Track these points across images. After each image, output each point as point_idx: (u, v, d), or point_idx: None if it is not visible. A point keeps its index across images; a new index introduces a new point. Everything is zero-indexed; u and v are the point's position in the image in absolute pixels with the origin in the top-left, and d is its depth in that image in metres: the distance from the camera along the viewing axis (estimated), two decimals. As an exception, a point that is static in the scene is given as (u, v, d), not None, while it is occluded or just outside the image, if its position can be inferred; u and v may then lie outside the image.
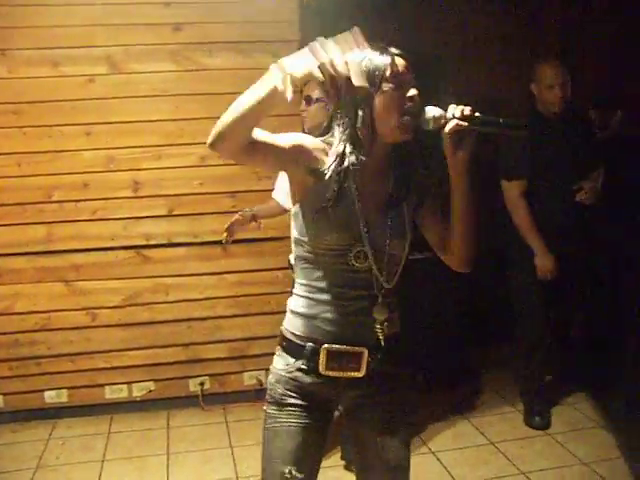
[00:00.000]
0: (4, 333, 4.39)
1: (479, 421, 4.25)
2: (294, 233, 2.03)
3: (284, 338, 2.06)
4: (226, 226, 3.57)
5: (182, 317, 4.45)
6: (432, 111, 1.88)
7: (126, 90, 4.28)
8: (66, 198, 4.29)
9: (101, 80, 4.28)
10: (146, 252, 4.37)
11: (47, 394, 4.47)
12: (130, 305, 4.39)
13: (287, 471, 2.00)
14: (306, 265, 2.01)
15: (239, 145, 1.82)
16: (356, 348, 1.98)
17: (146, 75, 4.30)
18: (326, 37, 1.71)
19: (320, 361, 1.97)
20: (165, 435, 4.23)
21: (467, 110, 1.85)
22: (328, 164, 1.93)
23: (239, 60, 4.38)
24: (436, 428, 4.18)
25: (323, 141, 1.98)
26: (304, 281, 2.03)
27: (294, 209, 2.01)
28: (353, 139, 1.92)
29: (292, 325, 2.05)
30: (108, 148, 4.28)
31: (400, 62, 1.92)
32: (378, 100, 1.90)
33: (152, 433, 4.27)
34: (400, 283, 2.03)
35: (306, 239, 1.97)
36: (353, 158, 1.91)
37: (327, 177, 1.92)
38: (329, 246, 1.94)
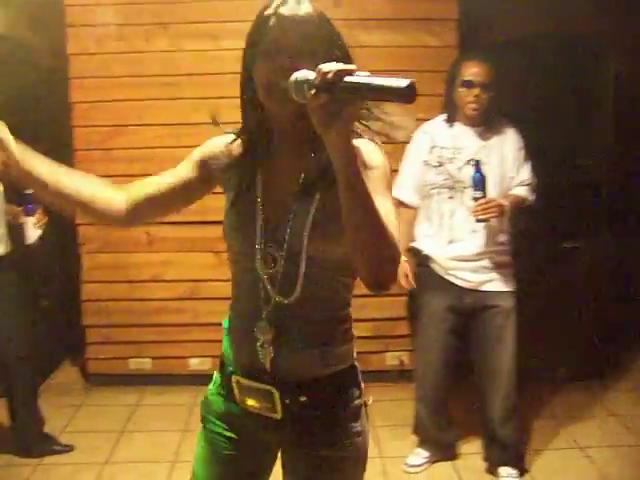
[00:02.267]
0: (153, 299, 4.53)
1: (630, 420, 4.09)
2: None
3: (221, 354, 1.84)
4: None
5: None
6: (297, 75, 1.39)
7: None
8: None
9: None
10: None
11: (192, 361, 4.58)
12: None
13: None
14: (232, 276, 1.76)
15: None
16: (264, 386, 1.65)
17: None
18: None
19: (235, 392, 1.72)
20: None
21: (330, 73, 1.28)
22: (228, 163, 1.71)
23: (396, 38, 4.34)
24: (582, 423, 4.05)
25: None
26: (232, 294, 1.77)
27: None
28: (243, 126, 1.70)
29: (224, 342, 1.82)
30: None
31: (276, 23, 1.55)
32: (254, 73, 1.60)
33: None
34: (322, 293, 1.65)
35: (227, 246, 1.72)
36: (248, 148, 1.68)
37: (229, 178, 1.70)
38: (236, 251, 1.69)
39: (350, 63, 1.33)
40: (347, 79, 1.28)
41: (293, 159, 1.64)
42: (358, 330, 4.48)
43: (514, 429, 3.46)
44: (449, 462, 3.67)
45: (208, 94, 4.32)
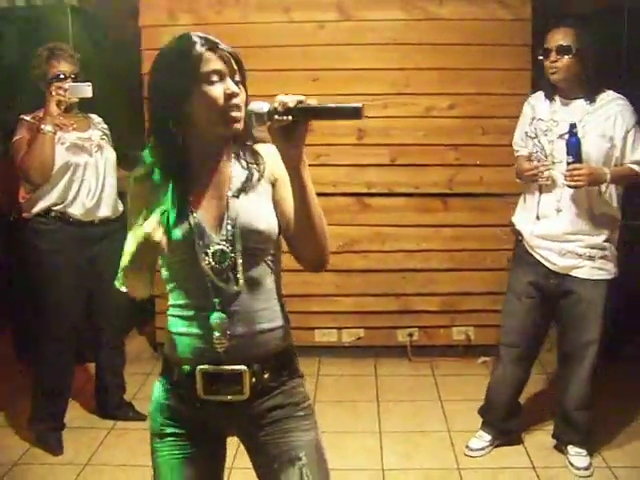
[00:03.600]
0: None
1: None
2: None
3: (163, 360, 1.88)
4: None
5: (396, 267, 4.46)
6: (254, 106, 1.64)
7: (355, 37, 4.30)
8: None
9: (331, 26, 4.31)
10: (366, 200, 4.40)
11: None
12: (346, 252, 4.44)
13: None
14: (170, 283, 1.84)
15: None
16: (234, 367, 1.76)
17: (375, 23, 4.30)
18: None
19: (198, 385, 1.77)
20: (374, 382, 4.29)
21: (291, 103, 1.58)
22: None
23: (469, 10, 4.28)
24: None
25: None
26: (172, 301, 1.85)
27: None
28: (169, 154, 1.76)
29: (167, 346, 1.85)
30: (335, 94, 4.29)
31: (213, 56, 1.70)
32: (194, 102, 1.70)
33: (360, 379, 4.34)
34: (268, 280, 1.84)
35: (165, 258, 1.79)
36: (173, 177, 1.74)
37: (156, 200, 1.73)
38: (180, 260, 1.77)
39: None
40: (302, 105, 1.60)
41: (215, 172, 1.80)
42: (425, 304, 4.52)
43: (588, 415, 3.39)
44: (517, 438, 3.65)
45: (279, 66, 4.33)
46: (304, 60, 4.32)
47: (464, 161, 4.22)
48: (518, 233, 3.34)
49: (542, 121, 3.16)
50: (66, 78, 3.35)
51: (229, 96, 1.69)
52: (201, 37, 1.72)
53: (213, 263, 1.75)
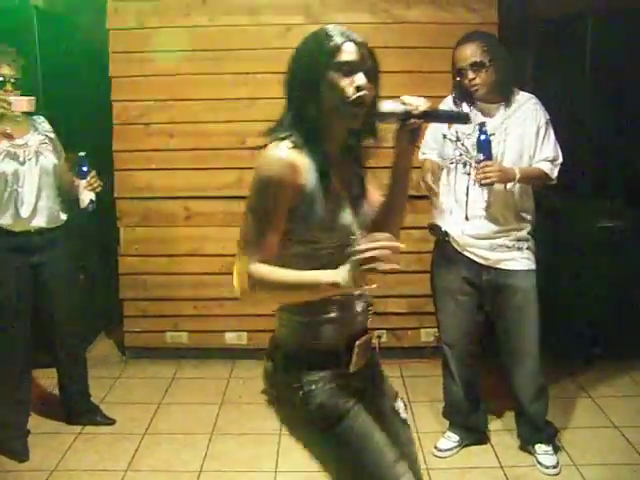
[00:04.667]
0: (191, 273, 4.57)
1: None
2: (293, 230, 1.86)
3: (311, 353, 1.92)
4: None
5: (365, 270, 4.45)
6: (388, 106, 1.86)
7: (322, 40, 4.30)
8: (258, 145, 4.35)
9: (298, 30, 4.30)
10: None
11: (228, 335, 4.63)
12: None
13: (395, 457, 1.94)
14: (311, 265, 1.86)
15: None
16: (367, 335, 2.00)
17: (342, 26, 4.30)
18: None
19: (353, 361, 1.92)
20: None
21: (423, 106, 1.86)
22: (308, 179, 1.82)
23: (436, 13, 4.32)
24: (619, 402, 4.05)
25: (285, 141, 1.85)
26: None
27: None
28: (311, 135, 1.84)
29: (318, 336, 1.92)
30: (303, 97, 4.32)
31: (351, 48, 1.80)
32: (324, 89, 1.81)
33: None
34: None
35: (315, 239, 1.86)
36: (317, 156, 1.83)
37: (310, 188, 1.82)
38: (332, 243, 1.87)
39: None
40: (430, 109, 1.87)
41: (341, 166, 1.93)
42: (394, 306, 4.54)
43: (544, 407, 3.45)
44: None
45: (246, 69, 4.34)
46: (271, 63, 4.30)
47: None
48: (444, 234, 3.37)
49: (487, 125, 3.20)
50: (5, 83, 3.24)
51: (356, 89, 1.78)
52: (342, 30, 1.83)
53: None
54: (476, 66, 3.13)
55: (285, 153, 1.81)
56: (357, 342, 1.93)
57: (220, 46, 4.36)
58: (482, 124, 3.11)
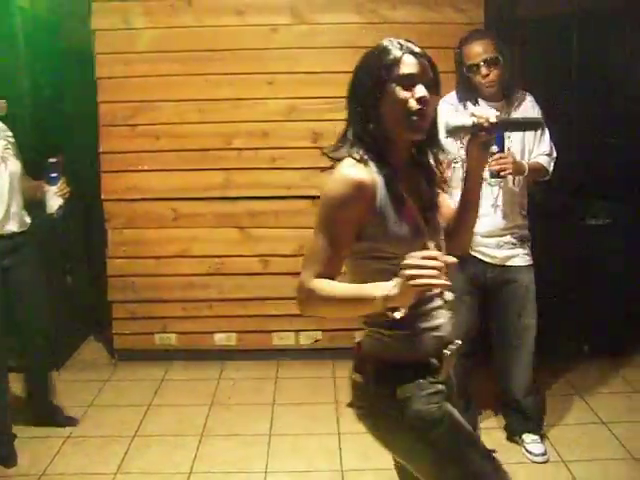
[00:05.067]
0: (180, 275, 4.55)
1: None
2: (369, 248, 1.87)
3: (403, 364, 1.93)
4: None
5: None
6: (455, 121, 1.91)
7: (309, 41, 4.31)
8: (245, 146, 4.37)
9: (284, 30, 4.31)
10: (322, 203, 4.39)
11: (217, 336, 4.62)
12: (303, 254, 4.42)
13: (488, 451, 2.06)
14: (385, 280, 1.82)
15: None
16: (451, 343, 2.02)
17: (329, 26, 4.31)
18: None
19: (443, 370, 1.97)
20: (332, 384, 4.31)
21: (493, 118, 1.89)
22: (377, 195, 1.82)
23: (422, 13, 4.32)
24: (607, 399, 4.07)
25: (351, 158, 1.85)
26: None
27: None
28: (375, 150, 1.85)
29: (410, 348, 1.94)
30: (289, 98, 4.33)
31: (410, 59, 1.83)
32: (385, 102, 1.83)
33: (319, 382, 4.35)
34: None
35: (390, 255, 1.85)
36: (386, 172, 1.84)
37: (380, 204, 1.83)
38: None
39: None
40: (500, 120, 1.90)
41: (407, 173, 1.93)
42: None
43: (536, 399, 3.55)
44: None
45: (233, 70, 4.33)
46: (258, 64, 4.31)
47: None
48: None
49: None
50: None
51: (417, 101, 1.79)
52: (401, 43, 1.85)
53: None
54: (490, 62, 3.16)
55: (352, 172, 1.81)
56: (445, 351, 1.96)
57: (206, 46, 4.35)
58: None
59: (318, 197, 4.25)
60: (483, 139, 1.91)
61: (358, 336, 4.44)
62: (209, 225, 4.48)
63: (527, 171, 3.19)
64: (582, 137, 4.34)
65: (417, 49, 1.85)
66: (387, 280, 1.73)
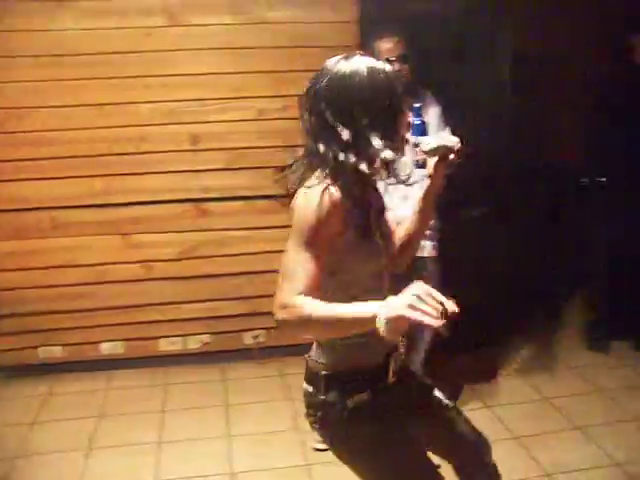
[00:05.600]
0: (60, 285, 4.43)
1: (534, 379, 4.26)
2: (331, 265, 1.87)
3: (351, 372, 1.96)
4: None
5: (240, 270, 4.47)
6: (438, 141, 2.09)
7: (185, 43, 4.25)
8: (125, 151, 4.29)
9: (159, 32, 4.25)
10: (204, 205, 4.37)
11: (103, 346, 4.52)
12: (186, 258, 4.41)
13: (434, 467, 2.08)
14: (345, 295, 1.84)
15: None
16: (399, 349, 2.07)
17: (204, 28, 4.27)
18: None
19: (389, 375, 2.02)
20: (222, 387, 4.28)
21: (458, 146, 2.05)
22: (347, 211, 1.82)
23: (297, 13, 4.33)
24: (490, 385, 4.20)
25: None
26: None
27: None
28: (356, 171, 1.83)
29: (356, 356, 1.95)
30: (167, 101, 4.27)
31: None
32: (398, 123, 1.93)
33: (209, 385, 4.32)
34: None
35: (349, 268, 1.91)
36: (354, 189, 1.83)
37: (351, 220, 1.85)
38: (366, 275, 1.95)
39: None
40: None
41: (371, 194, 2.01)
42: (271, 306, 4.50)
43: None
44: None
45: (109, 74, 4.23)
46: (134, 67, 4.23)
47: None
48: None
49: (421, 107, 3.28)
50: None
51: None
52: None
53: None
54: (403, 59, 3.30)
55: (329, 190, 1.78)
56: (391, 358, 2.00)
57: (82, 50, 4.20)
58: (418, 108, 3.14)
59: (200, 199, 4.29)
60: (452, 161, 2.06)
61: (247, 338, 4.49)
62: (91, 233, 4.37)
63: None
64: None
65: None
66: (345, 297, 1.76)
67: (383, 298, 1.64)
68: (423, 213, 2.16)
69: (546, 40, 4.78)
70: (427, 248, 3.48)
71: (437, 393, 2.20)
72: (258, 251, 4.44)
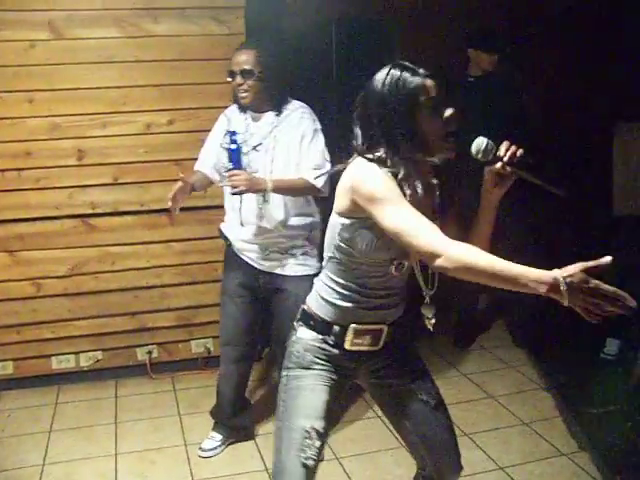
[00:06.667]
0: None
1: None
2: (336, 239, 2.11)
3: (312, 318, 2.23)
4: (170, 195, 3.26)
5: (129, 286, 4.42)
6: (483, 142, 1.98)
7: (69, 56, 4.18)
8: (9, 167, 4.20)
9: (43, 45, 4.17)
10: (92, 221, 4.31)
11: (-9, 365, 4.42)
12: (76, 274, 4.34)
13: (309, 426, 2.11)
14: (343, 268, 2.14)
15: None
16: (377, 326, 2.20)
17: (89, 41, 4.21)
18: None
19: (347, 338, 2.18)
20: (113, 404, 4.23)
21: (518, 153, 1.95)
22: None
23: (184, 27, 4.31)
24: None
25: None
26: (339, 279, 2.17)
27: (348, 221, 2.06)
28: (406, 165, 1.96)
29: (322, 311, 2.21)
30: (52, 115, 4.20)
31: (430, 83, 1.97)
32: (418, 126, 1.96)
33: (100, 403, 4.26)
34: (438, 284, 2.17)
35: (355, 251, 2.07)
36: (414, 182, 1.96)
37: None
38: (376, 260, 2.08)
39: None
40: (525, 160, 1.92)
41: (425, 191, 2.00)
42: (162, 320, 4.51)
43: None
44: (251, 442, 3.76)
45: None
46: (17, 81, 4.14)
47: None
48: (226, 238, 3.49)
49: (238, 134, 3.25)
50: None
51: (446, 123, 1.98)
52: (419, 67, 1.99)
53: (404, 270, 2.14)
54: (246, 73, 3.20)
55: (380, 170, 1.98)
56: (352, 325, 2.16)
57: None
58: (232, 133, 3.14)
59: (88, 215, 4.23)
60: (499, 171, 1.98)
61: (140, 353, 4.43)
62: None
63: (270, 188, 3.13)
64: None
65: (427, 72, 1.99)
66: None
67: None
68: (480, 218, 2.14)
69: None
70: (287, 267, 3.41)
71: (423, 387, 2.30)
72: (146, 266, 4.42)
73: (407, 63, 2.00)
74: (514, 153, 1.95)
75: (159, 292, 4.46)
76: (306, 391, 2.17)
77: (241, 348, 3.60)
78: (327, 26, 4.58)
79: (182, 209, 3.35)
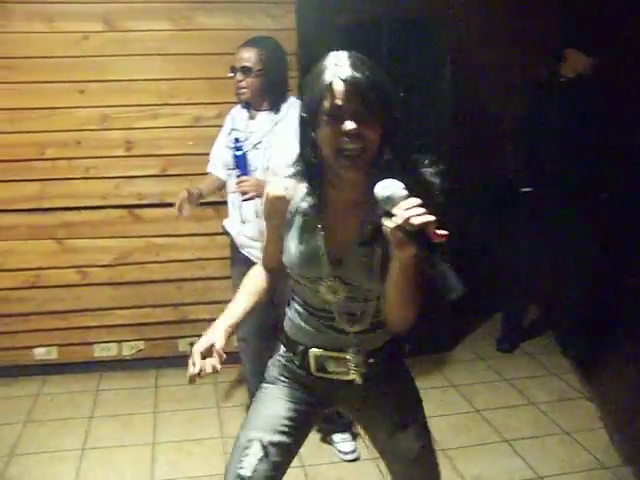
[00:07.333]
0: (-3, 289, 4.40)
1: (466, 389, 4.28)
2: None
3: (283, 333, 2.14)
4: (176, 206, 3.41)
5: (173, 277, 4.46)
6: (387, 190, 1.56)
7: (121, 48, 4.24)
8: (59, 156, 4.27)
9: (96, 37, 4.23)
10: (138, 211, 4.36)
11: (37, 351, 4.48)
12: (121, 264, 4.40)
13: (253, 437, 2.00)
14: (293, 282, 2.05)
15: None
16: (339, 354, 1.99)
17: (142, 33, 4.26)
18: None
19: (310, 363, 2.03)
20: (153, 394, 4.28)
21: (416, 220, 1.48)
22: (291, 208, 1.91)
23: (236, 20, 4.33)
24: (422, 395, 4.20)
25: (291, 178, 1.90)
26: (293, 294, 2.10)
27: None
28: (307, 175, 1.85)
29: (288, 328, 2.12)
30: (102, 106, 4.26)
31: (339, 88, 1.67)
32: (318, 134, 1.73)
33: (140, 392, 4.31)
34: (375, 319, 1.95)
35: (287, 265, 1.98)
36: (310, 199, 1.86)
37: (291, 218, 1.91)
38: (301, 275, 1.95)
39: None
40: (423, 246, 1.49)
41: (352, 206, 1.84)
42: (204, 313, 4.52)
43: None
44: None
45: (43, 78, 4.22)
46: (69, 71, 4.21)
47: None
48: (228, 233, 3.55)
49: (239, 132, 3.28)
50: None
51: (344, 137, 1.68)
52: (339, 64, 1.71)
53: (331, 296, 1.92)
54: (245, 70, 3.22)
55: (272, 186, 1.93)
56: (312, 350, 2.01)
57: (15, 53, 4.21)
58: (236, 140, 3.23)
59: (134, 206, 4.29)
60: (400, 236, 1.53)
61: (181, 344, 4.47)
62: (24, 237, 4.34)
63: None
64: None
65: (356, 74, 1.67)
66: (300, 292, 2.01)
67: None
68: (391, 277, 1.72)
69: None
70: None
71: (403, 441, 2.11)
72: (190, 258, 4.45)
73: (339, 55, 1.73)
74: (407, 220, 1.48)
75: (203, 284, 4.48)
76: (262, 404, 2.08)
77: (260, 344, 3.62)
78: (377, 23, 4.54)
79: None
